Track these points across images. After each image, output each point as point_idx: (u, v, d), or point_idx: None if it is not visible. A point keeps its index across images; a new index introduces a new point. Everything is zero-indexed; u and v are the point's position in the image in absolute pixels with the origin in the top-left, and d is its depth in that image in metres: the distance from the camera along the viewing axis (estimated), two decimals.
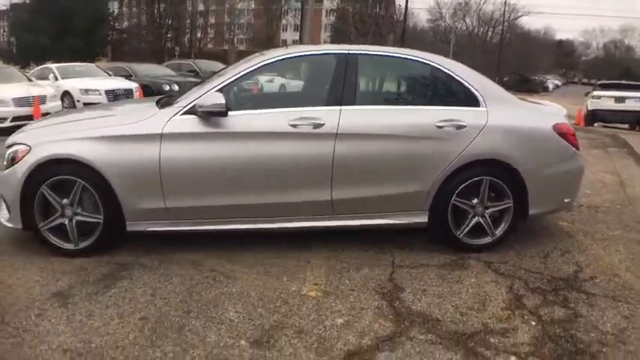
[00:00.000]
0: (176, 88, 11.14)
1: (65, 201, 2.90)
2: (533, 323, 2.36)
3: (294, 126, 2.90)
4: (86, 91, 9.99)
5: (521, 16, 49.99)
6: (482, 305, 2.52)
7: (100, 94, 9.89)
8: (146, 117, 2.92)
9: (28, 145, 2.90)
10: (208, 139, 2.89)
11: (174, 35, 41.83)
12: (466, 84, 3.16)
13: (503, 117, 3.12)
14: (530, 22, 54.70)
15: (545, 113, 3.34)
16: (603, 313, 2.48)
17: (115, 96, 9.95)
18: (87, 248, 2.97)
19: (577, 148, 3.25)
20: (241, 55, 14.27)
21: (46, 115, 6.75)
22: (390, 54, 3.29)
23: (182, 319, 2.30)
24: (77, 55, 23.09)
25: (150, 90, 11.28)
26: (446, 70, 3.19)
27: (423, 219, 3.13)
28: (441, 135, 3.02)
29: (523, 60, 49.48)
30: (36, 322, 2.24)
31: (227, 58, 27.07)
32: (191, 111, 2.89)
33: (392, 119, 3.03)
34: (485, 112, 3.10)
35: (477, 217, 3.14)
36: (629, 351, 2.17)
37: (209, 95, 2.84)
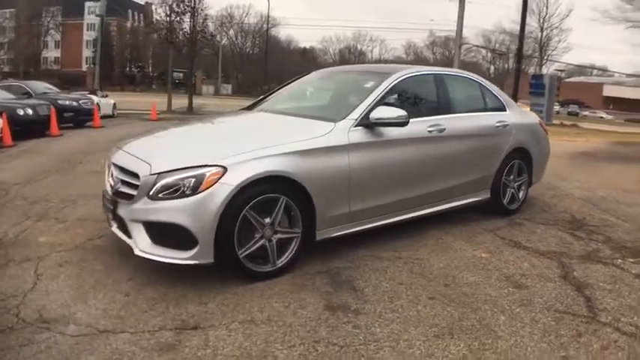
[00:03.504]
0: (30, 112, 9.73)
1: (267, 220, 2.93)
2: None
3: (430, 131, 3.76)
4: None
5: (273, 27, 56.30)
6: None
7: None
8: (329, 130, 3.23)
9: (220, 166, 2.78)
10: (379, 146, 3.44)
11: None
12: (496, 94, 4.64)
13: (518, 117, 4.71)
14: (277, 33, 61.80)
15: (530, 112, 5.14)
16: None
17: None
18: (284, 266, 3.06)
19: (547, 134, 5.17)
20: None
21: None
22: (456, 74, 4.47)
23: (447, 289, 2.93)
24: None
25: None
26: (484, 85, 4.59)
27: (487, 195, 4.44)
28: (499, 132, 4.39)
29: (286, 68, 55.70)
30: None
31: None
32: (362, 123, 3.37)
33: (474, 122, 4.22)
34: (511, 114, 4.64)
35: (512, 190, 4.65)
36: None
37: (384, 109, 3.37)
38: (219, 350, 2.22)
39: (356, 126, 3.34)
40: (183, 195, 2.74)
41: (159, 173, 2.80)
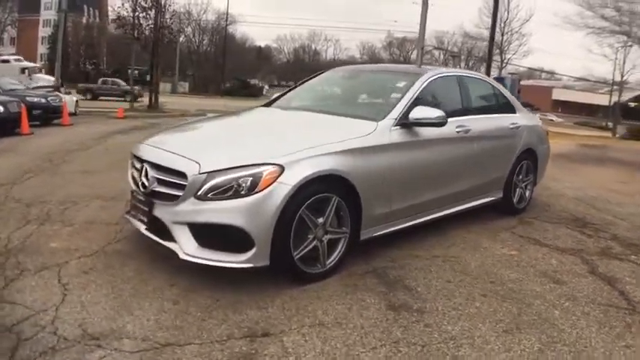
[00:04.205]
0: (1, 109, 9.32)
1: (320, 220, 2.92)
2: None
3: (458, 132, 3.87)
4: None
5: (231, 24, 55.56)
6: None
7: None
8: (372, 129, 3.25)
9: (277, 165, 2.74)
10: (416, 146, 3.51)
11: None
12: (507, 97, 4.84)
13: (526, 119, 4.93)
14: (233, 31, 61.02)
15: (534, 115, 5.39)
16: None
17: None
18: (332, 267, 3.05)
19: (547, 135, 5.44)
20: None
21: None
22: (473, 76, 4.62)
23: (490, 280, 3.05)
24: None
25: None
26: (497, 87, 4.78)
27: (500, 195, 4.62)
28: (512, 133, 4.58)
29: (240, 66, 55.13)
30: None
31: None
32: (400, 123, 3.42)
33: (494, 124, 4.37)
34: (521, 117, 4.85)
35: (520, 190, 4.86)
36: None
37: (423, 109, 3.43)
38: (302, 357, 2.19)
39: (395, 125, 3.39)
40: (239, 195, 2.67)
41: (209, 172, 2.71)
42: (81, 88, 31.66)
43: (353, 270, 3.17)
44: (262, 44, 74.29)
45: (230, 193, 2.68)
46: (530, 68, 50.08)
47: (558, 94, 62.92)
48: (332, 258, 3.04)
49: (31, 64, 28.21)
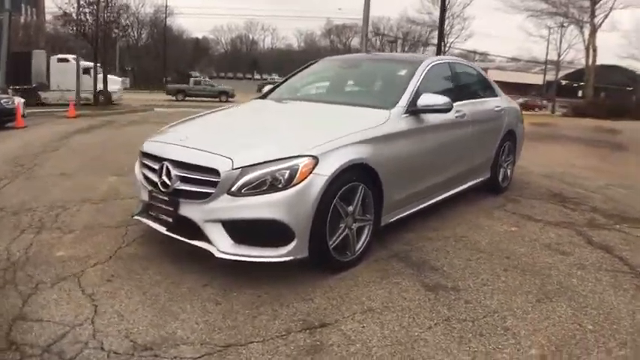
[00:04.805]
0: None
1: (350, 209, 2.99)
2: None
3: (456, 117, 4.05)
4: None
5: (170, 15, 53.60)
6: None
7: None
8: (386, 117, 3.35)
9: (312, 157, 2.76)
10: (425, 131, 3.64)
11: None
12: (490, 82, 5.09)
13: (506, 102, 5.23)
14: (171, 23, 58.86)
15: (510, 99, 5.70)
16: None
17: None
18: (360, 254, 3.14)
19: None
20: None
21: None
22: (460, 62, 4.80)
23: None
24: None
25: None
26: (481, 72, 5.03)
27: (488, 175, 4.89)
28: (497, 116, 4.85)
29: (179, 59, 53.37)
30: None
31: None
32: (409, 110, 3.54)
33: (482, 107, 4.60)
34: (501, 100, 5.13)
35: (504, 169, 5.17)
36: None
37: (430, 96, 3.55)
38: (367, 343, 2.26)
39: (404, 113, 3.51)
40: (276, 188, 2.67)
41: (243, 167, 2.70)
42: (171, 90, 29.99)
43: (376, 255, 3.26)
44: (200, 36, 72.43)
45: (265, 187, 2.68)
46: (467, 51, 52.12)
47: (492, 75, 65.87)
48: (359, 245, 3.13)
49: None
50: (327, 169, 2.77)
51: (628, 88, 28.78)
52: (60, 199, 4.52)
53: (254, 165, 2.70)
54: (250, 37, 74.15)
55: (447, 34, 34.73)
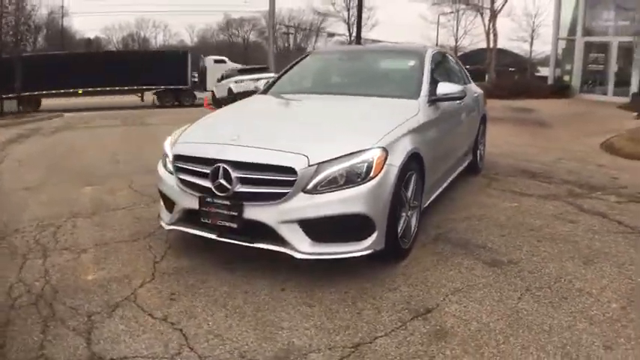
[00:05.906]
0: None
1: (408, 196, 3.12)
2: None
3: (458, 103, 4.35)
4: None
5: (65, 16, 49.01)
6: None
7: None
8: (418, 107, 3.51)
9: (383, 149, 2.82)
10: (443, 119, 3.89)
11: None
12: (464, 70, 5.49)
13: (477, 88, 5.68)
14: (65, 24, 53.60)
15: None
16: None
17: None
18: (413, 239, 3.29)
19: None
20: None
21: None
22: (442, 51, 5.10)
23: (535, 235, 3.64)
24: None
25: None
26: (457, 60, 5.40)
27: (472, 157, 5.31)
28: (477, 101, 5.27)
29: None
30: None
31: None
32: (430, 99, 3.73)
33: (469, 93, 4.95)
34: (474, 86, 5.57)
35: (479, 151, 5.63)
36: None
37: (447, 85, 3.79)
38: (482, 320, 2.40)
39: (427, 102, 3.70)
40: (355, 182, 2.70)
41: (319, 163, 2.69)
42: None
43: (419, 240, 3.42)
44: (92, 36, 67.14)
45: (342, 182, 2.70)
46: (372, 40, 54.37)
47: None
48: (412, 231, 3.27)
49: None
50: (397, 159, 2.87)
51: (510, 69, 32.18)
52: (42, 216, 4.04)
53: (330, 160, 2.70)
54: (142, 34, 70.18)
55: (352, 24, 35.97)
